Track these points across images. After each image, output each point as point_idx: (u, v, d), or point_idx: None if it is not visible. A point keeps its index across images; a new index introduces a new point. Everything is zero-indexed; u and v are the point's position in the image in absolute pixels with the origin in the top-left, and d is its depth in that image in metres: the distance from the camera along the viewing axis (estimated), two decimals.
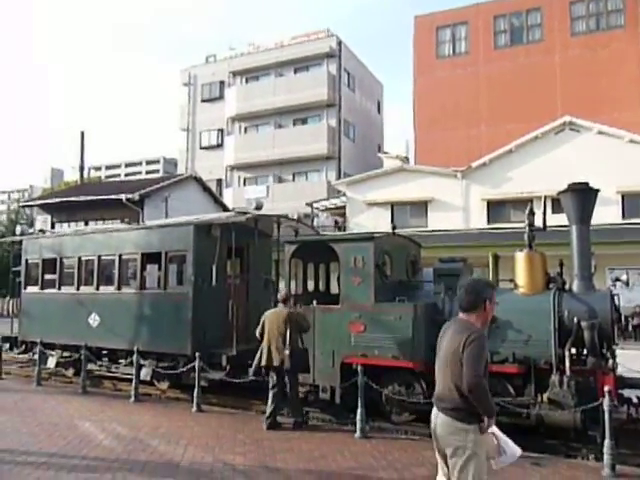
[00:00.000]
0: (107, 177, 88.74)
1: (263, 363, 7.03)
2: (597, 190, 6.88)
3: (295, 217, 16.17)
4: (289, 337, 6.91)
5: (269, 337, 7.02)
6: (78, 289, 11.02)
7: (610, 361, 6.37)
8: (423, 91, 29.01)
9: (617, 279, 7.15)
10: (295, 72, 33.35)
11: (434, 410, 3.39)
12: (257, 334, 7.22)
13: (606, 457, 5.33)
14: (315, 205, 27.02)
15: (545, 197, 7.98)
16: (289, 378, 7.05)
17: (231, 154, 33.48)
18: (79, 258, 11.06)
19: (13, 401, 8.81)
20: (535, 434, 6.40)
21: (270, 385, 7.12)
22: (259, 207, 10.47)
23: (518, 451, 3.41)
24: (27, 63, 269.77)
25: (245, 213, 9.62)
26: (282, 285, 8.95)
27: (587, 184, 6.87)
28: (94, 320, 10.46)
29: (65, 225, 23.34)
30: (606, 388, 5.45)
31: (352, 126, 33.66)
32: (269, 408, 7.08)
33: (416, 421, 7.26)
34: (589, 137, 20.58)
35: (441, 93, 28.18)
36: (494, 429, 3.33)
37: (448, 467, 3.27)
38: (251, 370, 7.33)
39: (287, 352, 6.88)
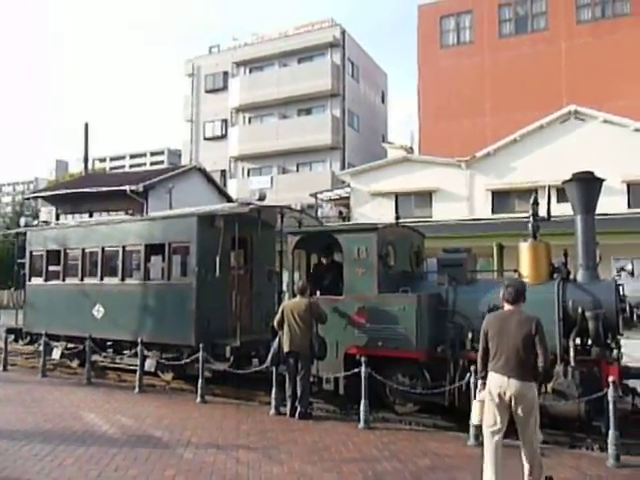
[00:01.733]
0: (111, 168, 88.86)
1: (287, 349, 7.15)
2: (602, 179, 6.81)
3: (299, 208, 16.13)
4: (311, 325, 7.15)
5: (290, 325, 7.15)
6: (82, 280, 11.05)
7: (615, 351, 6.33)
8: (427, 81, 28.79)
9: (622, 269, 7.12)
10: (299, 62, 33.14)
11: (502, 378, 4.42)
12: (275, 323, 7.37)
13: (611, 447, 5.32)
14: (319, 196, 26.96)
15: (549, 187, 7.90)
16: (305, 365, 7.13)
17: (235, 145, 33.39)
18: (83, 250, 11.08)
19: (18, 392, 8.87)
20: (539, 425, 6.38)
21: (289, 372, 7.23)
22: (262, 198, 10.44)
23: None
24: (31, 56, 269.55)
25: (248, 204, 9.59)
26: (286, 276, 8.94)
27: (592, 173, 6.80)
28: (98, 311, 10.49)
29: (70, 217, 23.36)
30: (610, 378, 5.42)
31: (356, 116, 33.47)
32: (293, 395, 7.18)
33: (420, 412, 7.26)
34: (594, 126, 20.40)
35: (445, 83, 27.95)
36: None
37: (509, 418, 4.45)
38: (269, 358, 7.41)
39: (312, 338, 7.14)
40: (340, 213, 27.14)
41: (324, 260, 8.39)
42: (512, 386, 4.37)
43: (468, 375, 6.18)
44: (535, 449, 4.49)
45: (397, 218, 8.88)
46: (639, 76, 24.57)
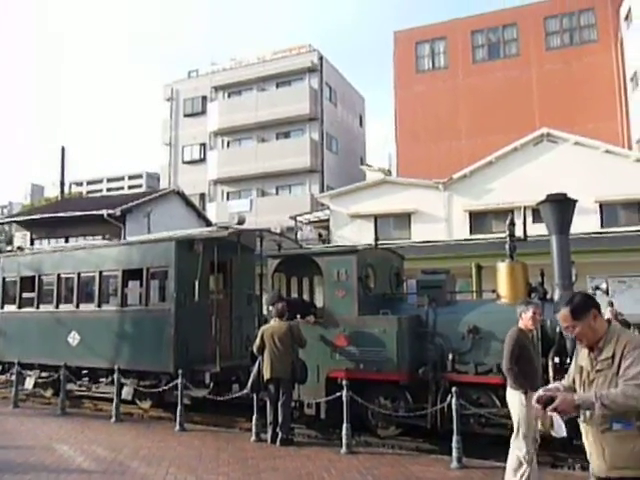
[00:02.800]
0: (89, 192, 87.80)
1: (268, 375, 7.01)
2: (575, 200, 6.95)
3: (278, 231, 16.11)
4: (292, 349, 7.03)
5: (271, 350, 7.01)
6: (57, 307, 10.81)
7: None
8: (404, 105, 29.34)
9: (597, 287, 7.21)
10: (277, 86, 33.49)
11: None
12: (255, 348, 7.22)
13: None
14: (299, 218, 27.01)
15: (525, 208, 8.04)
16: (286, 390, 7.00)
17: (214, 168, 33.40)
18: (58, 275, 10.87)
19: None
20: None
21: (270, 399, 7.08)
22: (241, 222, 10.42)
23: (563, 432, 4.65)
24: (6, 77, 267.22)
25: (227, 228, 9.56)
26: (266, 299, 8.87)
27: (565, 195, 6.94)
28: (74, 339, 10.25)
29: (45, 242, 22.95)
30: None
31: (334, 139, 33.83)
32: (274, 421, 7.02)
33: (402, 435, 7.21)
34: (566, 148, 20.93)
35: (422, 107, 28.53)
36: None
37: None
38: (248, 384, 7.28)
39: (293, 362, 7.02)
40: (320, 235, 27.19)
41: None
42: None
43: (450, 397, 6.17)
44: (515, 457, 4.90)
45: (376, 240, 8.94)
46: (606, 100, 25.45)
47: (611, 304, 16.36)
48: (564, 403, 2.75)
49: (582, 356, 2.87)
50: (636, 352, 2.69)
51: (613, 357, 2.73)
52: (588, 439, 2.84)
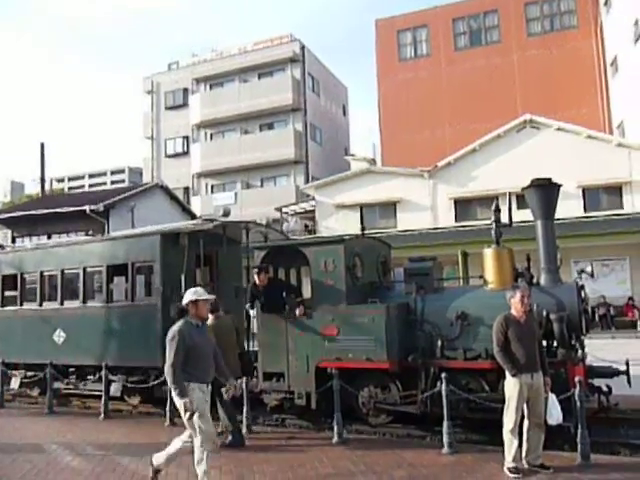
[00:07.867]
0: (70, 189, 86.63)
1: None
2: (559, 185, 6.99)
3: (264, 222, 16.04)
4: (241, 343, 6.92)
5: (225, 348, 6.43)
6: (41, 305, 10.65)
7: (579, 352, 6.46)
8: (387, 94, 29.31)
9: (582, 271, 7.27)
10: (259, 77, 33.26)
11: None
12: None
13: (580, 447, 5.39)
14: (284, 210, 26.96)
15: (509, 194, 8.07)
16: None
17: (197, 161, 33.15)
18: (41, 273, 10.69)
19: None
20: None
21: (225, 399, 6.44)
22: (227, 214, 10.35)
23: (559, 418, 5.20)
24: None
25: (212, 220, 9.48)
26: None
27: (550, 179, 6.97)
28: (59, 337, 10.11)
29: (27, 239, 22.62)
30: (577, 378, 5.53)
31: (318, 130, 33.71)
32: (236, 421, 6.83)
33: (393, 422, 7.24)
34: (549, 134, 21.11)
35: (405, 95, 28.52)
36: (551, 394, 5.28)
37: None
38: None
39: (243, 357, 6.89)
40: (306, 226, 27.18)
41: (257, 279, 7.76)
42: None
43: (439, 383, 6.19)
44: (505, 431, 5.31)
45: (363, 229, 8.91)
46: (587, 85, 25.65)
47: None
48: None
49: None
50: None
51: None
52: None
